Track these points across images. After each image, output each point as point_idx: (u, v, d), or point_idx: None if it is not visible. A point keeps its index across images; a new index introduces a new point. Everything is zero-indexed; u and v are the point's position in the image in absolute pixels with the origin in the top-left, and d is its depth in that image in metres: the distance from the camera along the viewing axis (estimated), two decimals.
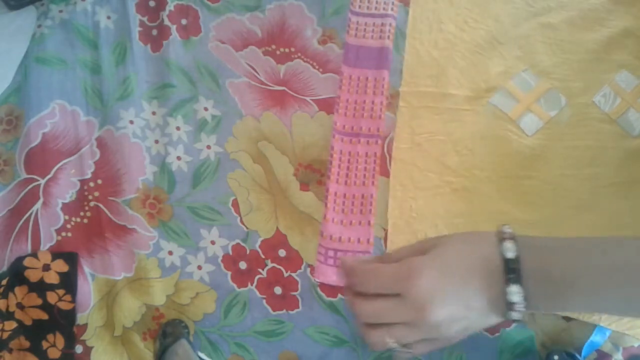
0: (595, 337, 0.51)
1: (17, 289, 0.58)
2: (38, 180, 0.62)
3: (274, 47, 0.67)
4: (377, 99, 0.62)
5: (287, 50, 0.67)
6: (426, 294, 0.39)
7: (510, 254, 0.38)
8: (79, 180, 0.63)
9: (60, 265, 0.59)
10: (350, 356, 0.56)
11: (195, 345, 0.57)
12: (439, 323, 0.39)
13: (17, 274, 0.58)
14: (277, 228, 0.60)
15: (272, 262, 0.59)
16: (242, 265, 0.59)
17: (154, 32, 0.68)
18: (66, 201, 0.62)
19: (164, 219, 0.61)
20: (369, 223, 0.58)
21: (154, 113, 0.65)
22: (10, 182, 0.63)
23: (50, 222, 0.61)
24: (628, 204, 0.56)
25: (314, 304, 0.58)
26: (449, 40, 0.65)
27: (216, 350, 0.57)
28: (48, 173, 0.63)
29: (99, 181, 0.63)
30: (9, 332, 0.56)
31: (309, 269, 0.58)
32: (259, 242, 0.60)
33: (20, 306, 0.57)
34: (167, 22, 0.68)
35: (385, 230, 0.59)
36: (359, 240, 0.57)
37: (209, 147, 0.63)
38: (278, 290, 0.58)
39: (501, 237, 0.39)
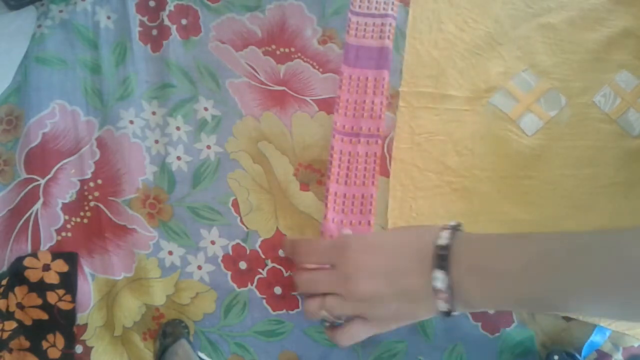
0: (595, 337, 0.51)
1: (17, 289, 0.58)
2: (38, 180, 0.62)
3: (274, 47, 0.67)
4: (377, 99, 0.62)
5: (287, 50, 0.67)
6: (354, 265, 0.40)
7: (441, 241, 0.37)
8: (79, 180, 0.63)
9: (60, 265, 0.59)
10: (350, 356, 0.55)
11: (195, 345, 0.57)
12: (365, 297, 0.39)
13: (17, 274, 0.58)
14: (277, 228, 0.60)
15: (272, 262, 0.59)
16: (242, 265, 0.60)
17: (154, 32, 0.68)
18: (66, 201, 0.62)
19: (164, 219, 0.61)
20: (368, 223, 0.58)
21: (154, 113, 0.65)
22: (10, 182, 0.63)
23: (50, 222, 0.61)
24: (628, 204, 0.56)
25: None
26: (448, 41, 0.65)
27: (216, 350, 0.57)
28: (48, 173, 0.63)
29: (99, 181, 0.63)
30: (9, 332, 0.56)
31: None
32: (259, 242, 0.60)
33: (20, 306, 0.57)
34: (167, 22, 0.68)
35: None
36: None
37: (209, 147, 0.63)
38: (278, 290, 0.58)
39: (442, 229, 0.39)
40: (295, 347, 0.57)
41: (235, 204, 0.61)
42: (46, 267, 0.59)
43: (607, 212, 0.56)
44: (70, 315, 0.58)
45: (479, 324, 0.55)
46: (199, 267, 0.60)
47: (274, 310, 0.58)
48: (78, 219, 0.62)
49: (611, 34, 0.62)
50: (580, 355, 0.50)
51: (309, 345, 0.57)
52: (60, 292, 0.58)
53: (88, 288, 0.60)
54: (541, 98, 0.61)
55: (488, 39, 0.64)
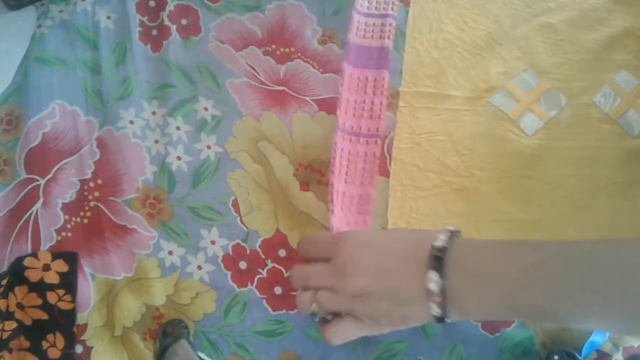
0: (595, 337, 0.51)
1: (17, 289, 0.58)
2: (38, 180, 0.62)
3: (274, 47, 0.67)
4: (377, 99, 0.62)
5: (287, 50, 0.67)
6: (348, 260, 0.39)
7: (438, 243, 0.36)
8: (79, 180, 0.63)
9: (60, 265, 0.59)
10: (350, 356, 0.55)
11: (195, 345, 0.57)
12: (355, 292, 0.39)
13: (17, 274, 0.58)
14: (277, 228, 0.60)
15: (272, 262, 0.59)
16: (242, 265, 0.59)
17: (154, 32, 0.68)
18: (66, 201, 0.62)
19: (164, 219, 0.61)
20: (365, 223, 0.58)
21: (154, 113, 0.65)
22: (10, 182, 0.63)
23: (50, 222, 0.61)
24: (628, 204, 0.57)
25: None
26: (448, 41, 0.65)
27: (216, 350, 0.57)
28: (48, 173, 0.63)
29: (99, 181, 0.63)
30: (9, 332, 0.56)
31: None
32: (259, 242, 0.60)
33: (20, 306, 0.57)
34: (167, 22, 0.68)
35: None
36: None
37: (209, 147, 0.63)
38: (278, 290, 0.58)
39: (440, 232, 0.38)
40: (295, 347, 0.57)
41: (235, 204, 0.61)
42: (46, 267, 0.59)
43: (607, 212, 0.57)
44: (70, 315, 0.58)
45: (479, 324, 0.55)
46: (199, 267, 0.60)
47: (274, 310, 0.58)
48: (78, 219, 0.62)
49: (611, 34, 0.63)
50: (580, 355, 0.50)
51: (309, 345, 0.57)
52: (60, 292, 0.58)
53: (88, 288, 0.60)
54: (541, 98, 0.61)
55: (488, 39, 0.64)
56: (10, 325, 0.56)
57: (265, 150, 0.63)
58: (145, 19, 0.69)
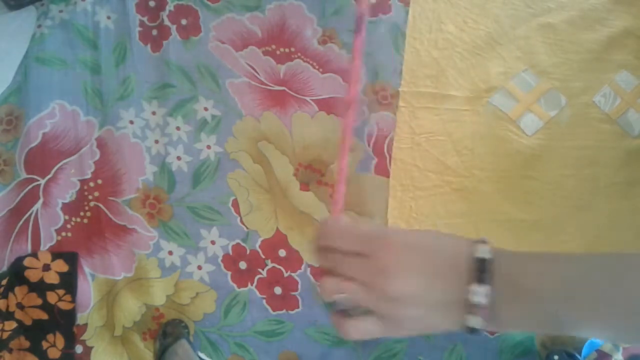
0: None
1: (17, 289, 0.58)
2: (38, 180, 0.62)
3: (274, 47, 0.67)
4: (356, 62, 0.61)
5: (287, 50, 0.67)
6: (391, 260, 0.38)
7: (486, 255, 0.36)
8: (79, 180, 0.63)
9: (60, 265, 0.59)
10: (350, 356, 0.55)
11: (195, 345, 0.57)
12: (394, 296, 0.38)
13: (17, 274, 0.58)
14: (277, 228, 0.60)
15: (272, 262, 0.59)
16: (242, 265, 0.59)
17: (154, 32, 0.68)
18: (66, 201, 0.62)
19: (164, 219, 0.61)
20: (337, 200, 0.57)
21: (154, 113, 0.65)
22: (10, 182, 0.63)
23: (50, 222, 0.61)
24: (628, 204, 0.57)
25: (314, 304, 0.57)
26: (448, 41, 0.65)
27: (216, 350, 0.57)
28: (48, 173, 0.63)
29: (99, 181, 0.63)
30: (9, 332, 0.56)
31: (309, 269, 0.58)
32: (259, 242, 0.60)
33: (20, 306, 0.57)
34: (167, 22, 0.68)
35: None
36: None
37: (209, 147, 0.63)
38: (278, 290, 0.58)
39: (476, 241, 0.37)
40: (295, 347, 0.57)
41: (235, 204, 0.61)
42: (46, 267, 0.59)
43: (607, 212, 0.57)
44: (70, 315, 0.58)
45: None
46: (199, 267, 0.60)
47: (274, 310, 0.58)
48: (78, 219, 0.62)
49: (611, 34, 0.62)
50: (580, 355, 0.50)
51: (309, 345, 0.57)
52: (60, 292, 0.58)
53: (88, 288, 0.60)
54: (541, 98, 0.61)
55: (488, 39, 0.64)
56: (10, 325, 0.56)
57: (265, 150, 0.63)
58: (145, 19, 0.69)
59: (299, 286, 0.58)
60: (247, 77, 0.66)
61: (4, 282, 0.58)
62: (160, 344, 0.56)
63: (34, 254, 0.59)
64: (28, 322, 0.57)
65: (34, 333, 0.57)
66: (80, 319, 0.59)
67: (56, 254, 0.60)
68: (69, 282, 0.59)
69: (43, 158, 0.63)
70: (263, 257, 0.59)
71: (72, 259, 0.60)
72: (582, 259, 0.36)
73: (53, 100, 0.65)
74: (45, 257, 0.59)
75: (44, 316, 0.57)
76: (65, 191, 0.63)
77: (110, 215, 0.62)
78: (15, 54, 0.68)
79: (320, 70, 0.65)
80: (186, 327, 0.57)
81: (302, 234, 0.59)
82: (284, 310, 0.58)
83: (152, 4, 0.69)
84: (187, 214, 0.61)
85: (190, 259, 0.60)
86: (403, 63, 0.65)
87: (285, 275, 0.59)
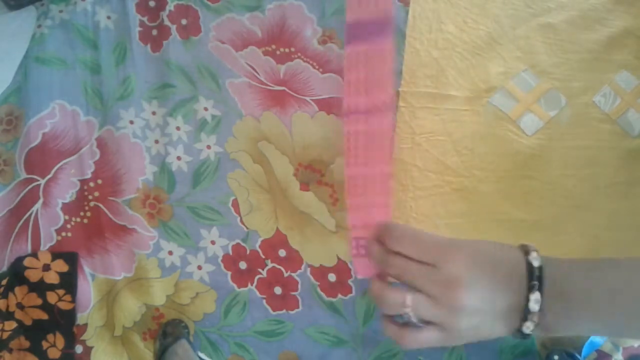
0: (595, 337, 0.51)
1: (17, 289, 0.58)
2: (38, 180, 0.62)
3: (274, 47, 0.67)
4: (387, 69, 0.61)
5: (287, 50, 0.67)
6: (461, 273, 0.39)
7: (537, 263, 0.38)
8: (79, 180, 0.63)
9: (60, 265, 0.59)
10: (350, 356, 0.56)
11: (195, 345, 0.57)
12: (461, 308, 0.39)
13: (17, 274, 0.58)
14: (277, 228, 0.60)
15: (272, 262, 0.59)
16: (242, 265, 0.59)
17: (154, 32, 0.68)
18: (66, 201, 0.62)
19: (164, 219, 0.61)
20: (387, 205, 0.57)
21: (154, 113, 0.65)
22: (10, 182, 0.63)
23: (50, 222, 0.61)
24: (627, 203, 0.56)
25: (314, 304, 0.58)
26: (448, 41, 0.65)
27: (216, 350, 0.57)
28: (48, 173, 0.63)
29: (99, 181, 0.63)
30: (9, 332, 0.56)
31: (309, 269, 0.58)
32: (259, 242, 0.60)
33: (20, 306, 0.57)
34: (167, 22, 0.68)
35: None
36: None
37: (209, 147, 0.63)
38: (278, 290, 0.58)
39: (526, 250, 0.39)
40: (295, 347, 0.57)
41: (235, 204, 0.61)
42: (46, 267, 0.59)
43: (607, 212, 0.56)
44: (70, 315, 0.58)
45: None
46: (199, 267, 0.60)
47: (274, 310, 0.58)
48: (78, 219, 0.62)
49: (611, 34, 0.62)
50: (580, 355, 0.50)
51: (309, 345, 0.57)
52: (60, 292, 0.58)
53: (88, 288, 0.60)
54: (541, 98, 0.61)
55: (488, 39, 0.64)
56: (10, 325, 0.56)
57: (265, 150, 0.63)
58: (145, 19, 0.69)
59: (299, 286, 0.58)
60: (247, 77, 0.66)
61: (4, 282, 0.58)
62: (160, 344, 0.56)
63: (34, 254, 0.59)
64: (28, 322, 0.57)
65: (34, 333, 0.57)
66: (80, 319, 0.59)
67: (56, 254, 0.60)
68: (69, 282, 0.59)
69: (43, 158, 0.63)
70: (263, 257, 0.59)
71: (72, 259, 0.60)
72: (625, 265, 0.38)
73: (53, 100, 0.65)
74: (45, 257, 0.59)
75: (44, 316, 0.57)
76: (65, 191, 0.63)
77: (110, 215, 0.62)
78: (15, 54, 0.68)
79: (320, 70, 0.65)
80: (186, 327, 0.57)
81: (302, 234, 0.59)
82: (284, 310, 0.58)
83: (152, 4, 0.69)
84: (187, 214, 0.61)
85: (190, 259, 0.60)
86: (403, 63, 0.65)
87: (285, 275, 0.59)
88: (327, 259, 0.58)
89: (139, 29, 0.68)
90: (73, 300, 0.58)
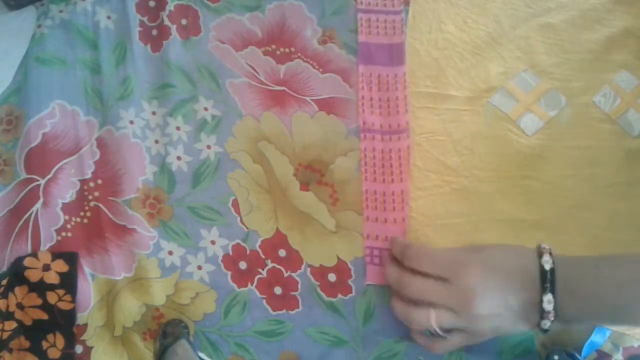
0: (595, 337, 0.51)
1: (17, 289, 0.58)
2: (38, 180, 0.62)
3: (274, 47, 0.67)
4: (400, 94, 0.62)
5: (287, 50, 0.67)
6: (476, 285, 0.42)
7: (548, 266, 0.41)
8: (79, 180, 0.63)
9: (60, 265, 0.59)
10: (350, 356, 0.56)
11: (195, 345, 0.57)
12: (480, 315, 0.42)
13: (17, 274, 0.58)
14: (277, 228, 0.60)
15: (272, 262, 0.59)
16: (242, 265, 0.60)
17: (154, 32, 0.68)
18: (66, 201, 0.62)
19: (164, 219, 0.61)
20: (403, 220, 0.58)
21: (154, 113, 0.65)
22: (10, 182, 0.63)
23: (50, 222, 0.61)
24: (628, 204, 0.57)
25: (314, 304, 0.58)
26: (448, 41, 0.65)
27: (216, 350, 0.57)
28: (48, 173, 0.63)
29: (99, 181, 0.63)
30: (9, 332, 0.56)
31: (309, 269, 0.59)
32: (259, 242, 0.60)
33: (20, 306, 0.57)
34: (167, 22, 0.68)
35: None
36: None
37: (209, 147, 0.64)
38: (278, 290, 0.58)
39: (540, 252, 0.42)
40: (295, 347, 0.57)
41: (235, 204, 0.61)
42: (46, 267, 0.59)
43: (607, 212, 0.57)
44: (70, 315, 0.58)
45: None
46: (199, 267, 0.60)
47: (274, 310, 0.58)
48: (78, 219, 0.62)
49: (611, 34, 0.62)
50: (580, 355, 0.50)
51: (309, 345, 0.57)
52: (60, 292, 0.58)
53: (88, 288, 0.60)
54: (541, 98, 0.61)
55: (488, 39, 0.64)
56: (10, 325, 0.56)
57: (265, 150, 0.63)
58: (145, 19, 0.69)
59: (299, 286, 0.58)
60: (247, 77, 0.66)
61: (4, 282, 0.58)
62: (160, 344, 0.56)
63: (34, 254, 0.59)
64: (28, 322, 0.57)
65: (34, 333, 0.57)
66: (80, 319, 0.59)
67: (56, 254, 0.60)
68: (69, 282, 0.59)
69: (43, 158, 0.63)
70: (263, 257, 0.60)
71: (72, 259, 0.60)
72: (629, 261, 0.41)
73: (53, 100, 0.66)
74: (45, 257, 0.59)
75: (44, 316, 0.57)
76: (65, 191, 0.63)
77: (110, 215, 0.62)
78: (15, 54, 0.68)
79: (320, 70, 0.65)
80: (186, 327, 0.57)
81: (302, 234, 0.59)
82: (284, 310, 0.58)
83: (152, 4, 0.69)
84: (187, 214, 0.61)
85: (190, 259, 0.60)
86: None
87: (285, 275, 0.59)
88: (327, 259, 0.58)
89: (139, 29, 0.68)
90: (73, 300, 0.58)
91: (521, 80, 0.62)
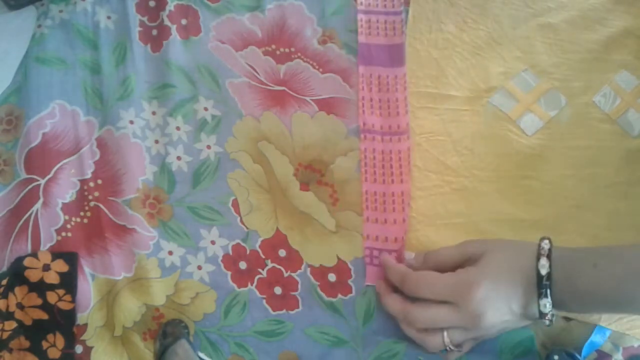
0: (595, 337, 0.51)
1: (17, 289, 0.58)
2: (38, 180, 0.62)
3: (274, 47, 0.67)
4: (400, 95, 0.62)
5: (287, 50, 0.67)
6: (483, 304, 0.44)
7: (544, 271, 0.42)
8: (79, 180, 0.63)
9: (60, 265, 0.59)
10: (350, 356, 0.56)
11: (195, 345, 0.57)
12: (490, 326, 0.44)
13: (17, 274, 0.58)
14: (277, 228, 0.60)
15: (272, 262, 0.59)
16: (242, 265, 0.60)
17: (154, 32, 0.68)
18: (66, 201, 0.62)
19: (164, 219, 0.61)
20: (403, 220, 0.58)
21: (154, 113, 0.65)
22: (10, 182, 0.63)
23: (50, 222, 0.61)
24: (628, 204, 0.56)
25: (314, 304, 0.58)
26: (448, 41, 0.65)
27: (216, 350, 0.57)
28: (48, 173, 0.63)
29: (99, 181, 0.63)
30: (9, 332, 0.56)
31: (309, 269, 0.59)
32: (259, 242, 0.60)
33: (20, 306, 0.57)
34: (167, 22, 0.68)
35: None
36: (395, 240, 0.57)
37: (209, 147, 0.64)
38: (278, 290, 0.58)
39: (539, 253, 0.43)
40: (295, 347, 0.57)
41: (235, 204, 0.61)
42: (46, 267, 0.59)
43: (607, 212, 0.56)
44: (70, 315, 0.58)
45: None
46: (199, 267, 0.60)
47: (274, 310, 0.58)
48: (78, 219, 0.62)
49: (611, 34, 0.62)
50: (580, 355, 0.50)
51: (309, 345, 0.57)
52: (60, 292, 0.58)
53: (88, 288, 0.60)
54: (541, 98, 0.61)
55: (488, 39, 0.64)
56: (10, 325, 0.56)
57: (265, 150, 0.63)
58: (145, 19, 0.69)
59: (299, 286, 0.58)
60: (247, 77, 0.66)
61: (4, 282, 0.58)
62: (160, 344, 0.56)
63: (34, 254, 0.59)
64: (28, 322, 0.57)
65: (34, 333, 0.57)
66: (80, 319, 0.59)
67: (56, 254, 0.60)
68: (69, 282, 0.59)
69: (43, 158, 0.63)
70: (263, 257, 0.60)
71: (72, 259, 0.60)
72: (627, 254, 0.42)
73: (53, 100, 0.66)
74: (45, 257, 0.59)
75: (44, 316, 0.57)
76: (65, 191, 0.63)
77: (110, 215, 0.62)
78: (15, 54, 0.68)
79: (320, 70, 0.65)
80: (186, 327, 0.57)
81: (302, 234, 0.59)
82: (284, 310, 0.58)
83: (152, 4, 0.69)
84: (187, 214, 0.61)
85: (190, 259, 0.60)
86: None
87: (285, 275, 0.59)
88: (327, 259, 0.58)
89: (139, 29, 0.68)
90: (73, 300, 0.58)
91: (521, 80, 0.62)
